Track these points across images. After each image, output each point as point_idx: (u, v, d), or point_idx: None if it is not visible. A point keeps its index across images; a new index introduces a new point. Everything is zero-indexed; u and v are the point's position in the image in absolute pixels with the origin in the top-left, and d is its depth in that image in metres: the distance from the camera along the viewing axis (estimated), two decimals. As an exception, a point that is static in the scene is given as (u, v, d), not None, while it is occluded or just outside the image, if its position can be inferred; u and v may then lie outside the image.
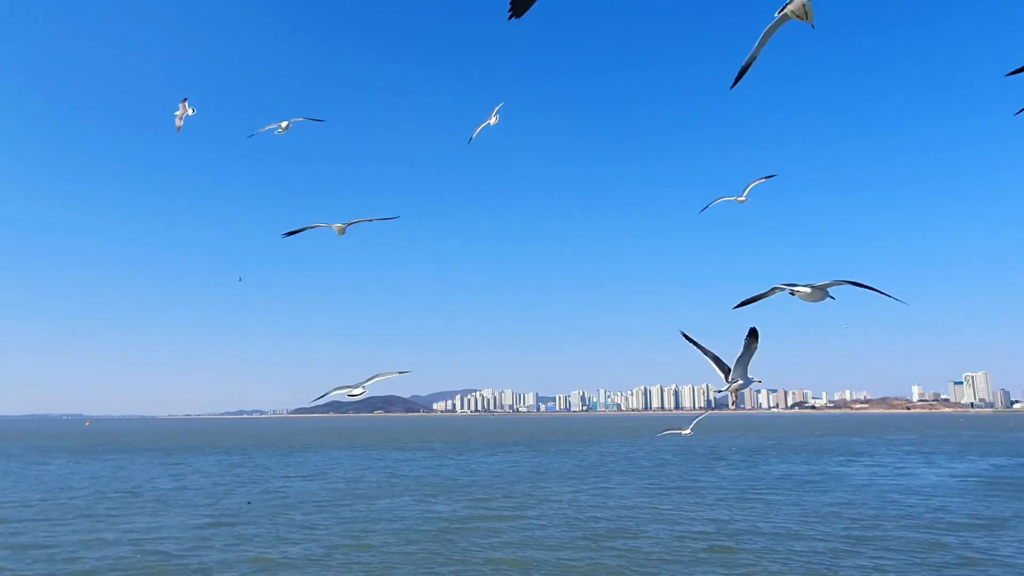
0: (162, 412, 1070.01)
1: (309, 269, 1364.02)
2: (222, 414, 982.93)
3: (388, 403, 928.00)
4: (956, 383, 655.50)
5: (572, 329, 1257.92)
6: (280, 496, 47.04)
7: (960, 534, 31.39)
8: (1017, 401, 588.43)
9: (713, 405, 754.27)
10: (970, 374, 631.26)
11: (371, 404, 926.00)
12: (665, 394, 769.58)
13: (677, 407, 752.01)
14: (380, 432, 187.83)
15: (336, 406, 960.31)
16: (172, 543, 30.47)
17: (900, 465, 68.48)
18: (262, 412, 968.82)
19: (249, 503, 43.29)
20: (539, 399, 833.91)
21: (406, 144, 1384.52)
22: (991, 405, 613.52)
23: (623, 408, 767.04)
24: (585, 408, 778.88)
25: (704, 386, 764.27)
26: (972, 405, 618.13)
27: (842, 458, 77.97)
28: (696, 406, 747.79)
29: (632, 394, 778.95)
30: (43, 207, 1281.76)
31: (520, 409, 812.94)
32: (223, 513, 39.28)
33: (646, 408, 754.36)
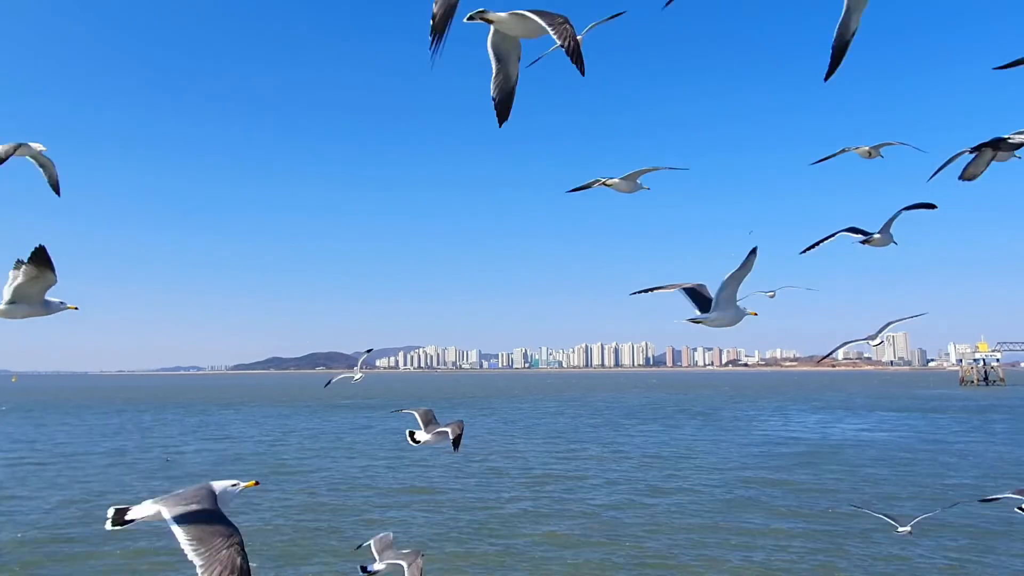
0: (94, 368, 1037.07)
1: (251, 223, 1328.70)
2: (158, 370, 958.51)
3: (329, 359, 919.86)
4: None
5: (516, 287, 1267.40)
6: (195, 455, 47.71)
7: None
8: (932, 359, 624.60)
9: (651, 362, 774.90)
10: (891, 334, 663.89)
11: (312, 360, 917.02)
12: (605, 351, 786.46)
13: (617, 364, 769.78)
14: (317, 389, 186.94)
15: (276, 363, 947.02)
16: (86, 506, 31.05)
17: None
18: (199, 368, 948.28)
19: (167, 460, 43.89)
20: (482, 356, 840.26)
21: (349, 90, 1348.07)
22: (909, 363, 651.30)
23: (564, 365, 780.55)
24: (527, 365, 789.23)
25: (643, 344, 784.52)
26: (892, 363, 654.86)
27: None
28: (635, 363, 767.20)
29: (573, 351, 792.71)
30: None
31: (463, 366, 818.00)
32: (141, 471, 39.82)
33: (587, 365, 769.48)
